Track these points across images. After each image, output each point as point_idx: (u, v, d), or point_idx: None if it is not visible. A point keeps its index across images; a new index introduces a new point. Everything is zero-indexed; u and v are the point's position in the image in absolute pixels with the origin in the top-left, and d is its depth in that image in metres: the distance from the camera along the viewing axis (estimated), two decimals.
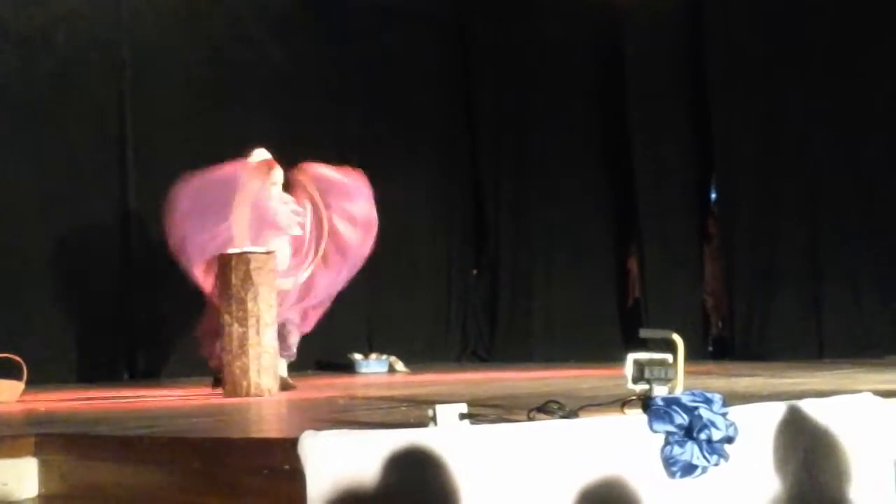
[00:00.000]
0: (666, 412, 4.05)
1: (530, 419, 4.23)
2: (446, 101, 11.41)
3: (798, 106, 9.67)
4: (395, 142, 10.81)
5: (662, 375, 4.20)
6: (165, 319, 9.62)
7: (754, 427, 4.28)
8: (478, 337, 11.27)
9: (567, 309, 10.78)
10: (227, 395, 6.92)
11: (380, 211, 10.52)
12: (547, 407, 4.31)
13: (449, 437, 3.81)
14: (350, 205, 7.83)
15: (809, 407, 4.53)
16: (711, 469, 4.07)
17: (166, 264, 9.65)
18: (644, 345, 5.58)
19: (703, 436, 4.02)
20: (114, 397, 7.22)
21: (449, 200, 11.37)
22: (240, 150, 10.06)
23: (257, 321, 6.93)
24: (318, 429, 3.73)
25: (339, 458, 3.62)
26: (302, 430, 3.69)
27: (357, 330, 10.61)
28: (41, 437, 4.42)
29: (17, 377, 7.27)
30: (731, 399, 4.31)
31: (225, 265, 7.02)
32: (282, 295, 7.35)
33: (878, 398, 4.84)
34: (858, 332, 9.39)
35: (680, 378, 4.40)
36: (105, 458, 4.31)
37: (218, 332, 7.13)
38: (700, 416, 4.03)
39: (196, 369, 9.25)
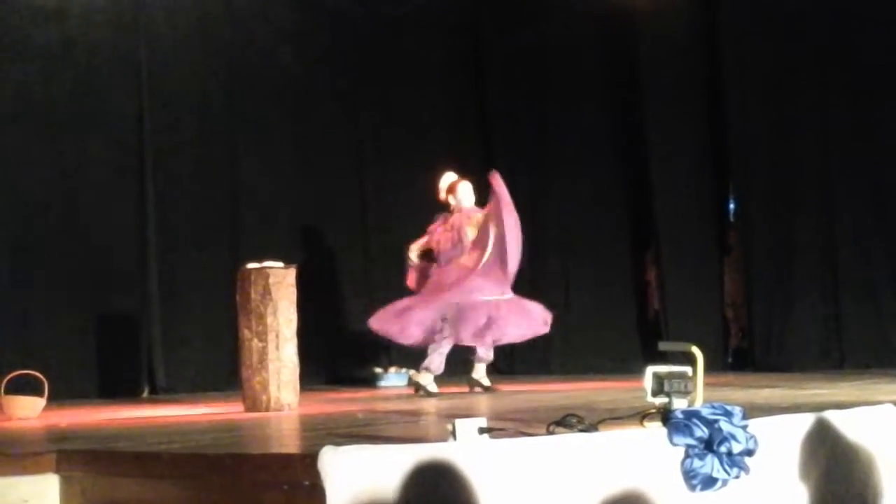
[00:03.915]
0: (686, 425, 4.04)
1: (550, 433, 4.23)
2: (460, 106, 11.39)
3: (815, 114, 9.64)
4: (409, 146, 10.80)
5: (682, 388, 4.19)
6: (185, 335, 9.65)
7: (775, 439, 4.27)
8: (497, 349, 11.24)
9: (586, 321, 10.75)
10: (247, 409, 6.94)
11: (394, 218, 10.56)
12: (566, 420, 4.30)
13: (468, 451, 3.80)
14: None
15: (830, 419, 4.52)
16: (732, 482, 4.05)
17: (186, 279, 9.72)
18: (663, 358, 5.56)
19: (723, 448, 4.01)
20: (134, 413, 7.23)
21: None
22: (254, 158, 10.15)
23: (276, 336, 6.93)
24: (338, 444, 3.73)
25: (358, 473, 3.62)
26: (321, 445, 3.69)
27: (376, 343, 10.61)
28: (62, 454, 4.44)
29: (39, 393, 7.29)
30: (751, 411, 4.29)
31: (244, 280, 7.04)
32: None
33: None
34: (879, 343, 9.34)
35: (699, 390, 4.39)
36: (125, 474, 4.32)
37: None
38: (720, 429, 4.02)
39: (215, 384, 9.29)
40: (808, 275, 9.63)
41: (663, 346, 5.75)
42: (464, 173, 8.80)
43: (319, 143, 10.58)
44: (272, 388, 6.90)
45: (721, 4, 10.15)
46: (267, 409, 6.86)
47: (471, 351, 8.44)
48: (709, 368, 4.69)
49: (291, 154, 10.44)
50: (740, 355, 10.22)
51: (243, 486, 3.95)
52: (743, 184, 10.18)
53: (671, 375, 4.21)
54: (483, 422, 4.11)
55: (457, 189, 8.54)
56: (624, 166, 10.72)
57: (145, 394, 9.41)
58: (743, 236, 10.16)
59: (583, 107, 10.80)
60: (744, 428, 4.08)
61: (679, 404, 4.17)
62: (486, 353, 8.45)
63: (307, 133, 10.48)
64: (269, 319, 6.93)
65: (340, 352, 10.43)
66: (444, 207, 8.64)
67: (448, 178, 8.62)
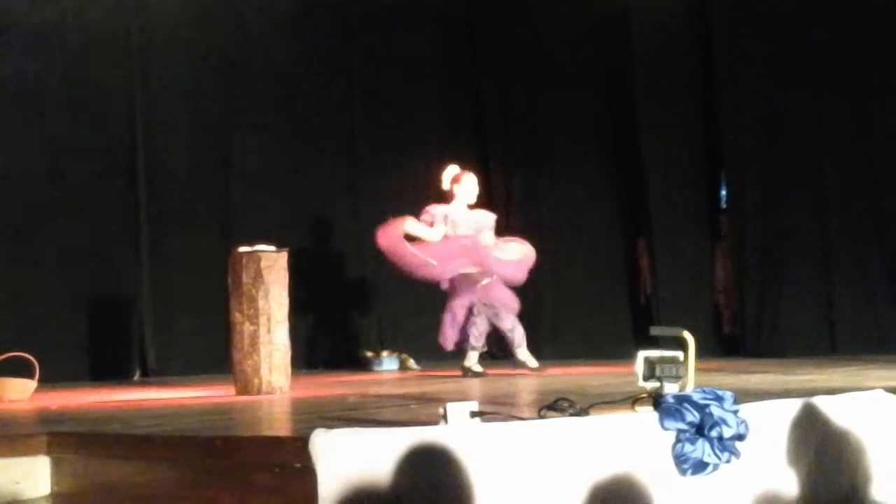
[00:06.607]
0: (677, 410, 4.05)
1: (541, 417, 4.23)
2: (454, 99, 11.38)
3: (807, 102, 9.65)
4: (404, 139, 10.79)
5: (673, 373, 4.20)
6: (177, 318, 9.64)
7: (765, 424, 4.28)
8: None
9: (578, 306, 10.76)
10: (239, 392, 6.94)
11: (389, 209, 10.57)
12: (558, 404, 4.31)
13: (460, 434, 3.81)
14: None
15: (821, 404, 4.53)
16: (723, 466, 4.06)
17: (178, 263, 9.71)
18: (655, 342, 5.57)
19: (714, 433, 4.02)
20: (125, 396, 7.23)
21: None
22: (247, 142, 10.14)
23: (268, 319, 6.93)
24: (330, 427, 3.73)
25: (350, 455, 3.62)
26: (313, 428, 3.70)
27: (368, 327, 10.61)
28: (53, 436, 4.44)
29: (30, 375, 7.29)
30: (742, 396, 4.30)
31: (236, 263, 7.03)
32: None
33: (890, 395, 4.84)
34: (870, 329, 9.37)
35: (691, 375, 4.41)
36: (117, 456, 4.32)
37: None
38: (711, 414, 4.03)
39: (207, 367, 9.29)
40: (800, 261, 9.64)
41: (655, 330, 5.77)
42: (459, 164, 8.83)
43: (313, 126, 10.56)
44: (263, 372, 6.90)
45: None
46: (258, 393, 6.86)
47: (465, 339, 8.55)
48: (700, 353, 4.71)
49: (285, 138, 10.42)
50: (731, 341, 10.24)
51: (234, 469, 3.95)
52: (735, 170, 10.18)
53: (663, 360, 4.21)
54: (474, 405, 4.11)
55: (461, 180, 8.57)
56: (617, 153, 10.74)
57: (136, 376, 9.40)
58: (734, 223, 10.17)
59: (576, 95, 10.82)
60: (735, 413, 4.08)
61: (670, 389, 4.17)
62: (476, 342, 8.54)
63: (301, 116, 10.46)
64: (261, 303, 6.92)
65: (332, 335, 10.43)
66: (445, 198, 8.66)
67: (453, 169, 8.66)
